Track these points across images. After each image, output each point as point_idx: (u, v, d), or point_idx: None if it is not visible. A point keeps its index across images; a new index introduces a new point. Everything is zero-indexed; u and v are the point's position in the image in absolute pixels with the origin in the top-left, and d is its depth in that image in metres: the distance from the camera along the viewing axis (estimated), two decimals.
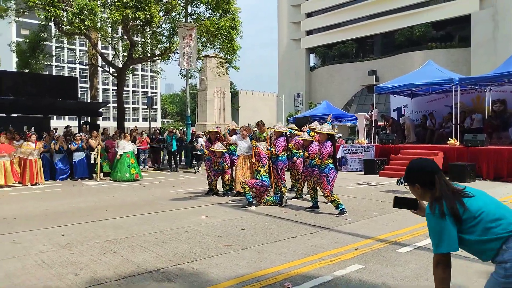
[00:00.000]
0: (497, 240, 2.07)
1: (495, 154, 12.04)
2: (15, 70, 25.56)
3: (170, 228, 6.37)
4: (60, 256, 4.91)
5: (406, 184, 2.39)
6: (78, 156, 13.46)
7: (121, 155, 13.08)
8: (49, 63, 27.65)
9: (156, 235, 5.90)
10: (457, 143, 13.13)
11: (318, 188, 7.81)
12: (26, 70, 20.81)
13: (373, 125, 16.45)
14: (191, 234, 5.96)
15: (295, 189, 9.41)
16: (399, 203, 2.52)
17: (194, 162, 16.69)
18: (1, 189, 11.37)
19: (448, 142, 13.31)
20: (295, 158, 9.35)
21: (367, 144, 15.55)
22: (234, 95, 72.21)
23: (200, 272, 4.34)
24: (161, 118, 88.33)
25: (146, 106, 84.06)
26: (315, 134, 8.18)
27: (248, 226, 6.48)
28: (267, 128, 9.86)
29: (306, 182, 8.50)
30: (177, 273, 4.31)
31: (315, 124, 7.99)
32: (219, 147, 9.45)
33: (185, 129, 19.70)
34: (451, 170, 11.90)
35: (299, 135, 9.66)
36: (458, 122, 14.03)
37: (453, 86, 13.87)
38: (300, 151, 8.93)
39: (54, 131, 16.40)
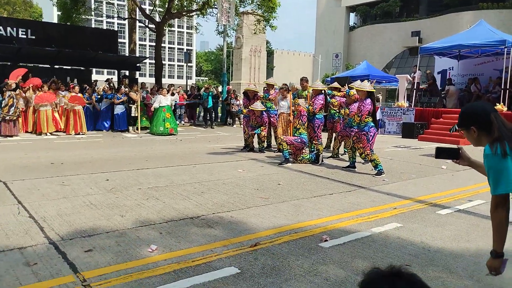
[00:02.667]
0: None
1: None
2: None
3: (209, 179, 6.52)
4: (106, 199, 5.17)
5: (460, 129, 2.27)
6: (119, 109, 13.82)
7: (156, 109, 13.32)
8: (89, 16, 27.93)
9: (195, 185, 6.07)
10: (505, 108, 12.50)
11: (356, 147, 7.72)
12: (68, 24, 21.16)
13: (415, 87, 15.85)
14: (229, 186, 6.09)
15: (332, 149, 9.35)
16: (441, 152, 2.47)
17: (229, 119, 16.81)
18: (46, 137, 11.93)
19: (495, 107, 12.68)
20: (337, 118, 9.28)
21: (407, 107, 15.07)
22: (270, 54, 71.01)
23: (238, 221, 4.46)
24: (196, 75, 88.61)
25: (181, 63, 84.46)
26: (354, 93, 7.99)
27: (284, 182, 6.54)
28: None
29: (343, 142, 8.42)
30: (216, 220, 4.45)
31: (356, 83, 7.77)
32: (258, 106, 9.42)
33: (220, 86, 19.72)
34: None
35: (339, 95, 9.49)
36: (508, 87, 13.27)
37: (505, 49, 13.02)
38: (341, 111, 8.78)
39: (95, 83, 16.81)
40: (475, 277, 3.21)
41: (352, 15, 68.09)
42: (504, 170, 2.04)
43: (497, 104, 12.81)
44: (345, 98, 8.25)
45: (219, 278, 3.06)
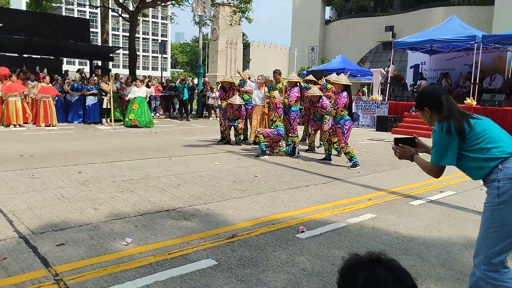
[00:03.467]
0: (494, 160, 2.20)
1: None
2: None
3: (185, 172, 6.46)
4: (79, 192, 5.03)
5: (416, 110, 2.51)
6: (91, 100, 13.47)
7: (128, 100, 13.05)
8: (58, 4, 27.03)
9: (171, 178, 5.99)
10: (474, 102, 12.88)
11: (332, 140, 7.80)
12: (37, 11, 20.42)
13: (388, 81, 16.12)
14: (205, 179, 6.04)
15: (308, 143, 9.42)
16: (399, 142, 2.66)
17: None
18: (15, 129, 11.53)
19: (465, 101, 13.06)
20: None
21: (381, 101, 15.32)
22: (246, 46, 70.80)
23: (215, 213, 4.43)
24: (171, 67, 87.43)
25: (156, 54, 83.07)
26: (332, 86, 8.06)
27: (261, 174, 6.54)
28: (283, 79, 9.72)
29: (318, 134, 8.52)
30: (193, 213, 4.40)
31: (332, 76, 7.83)
32: (236, 100, 9.33)
33: (196, 78, 19.52)
34: None
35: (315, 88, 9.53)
36: (477, 82, 13.68)
37: (476, 44, 13.40)
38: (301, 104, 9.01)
39: (66, 73, 16.31)
40: (447, 265, 3.30)
41: (328, 8, 68.53)
42: (450, 146, 2.29)
43: (467, 98, 13.21)
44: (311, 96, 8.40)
45: (196, 270, 3.04)
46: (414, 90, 16.13)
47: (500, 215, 2.15)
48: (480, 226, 2.28)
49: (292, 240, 3.74)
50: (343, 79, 7.44)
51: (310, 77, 10.27)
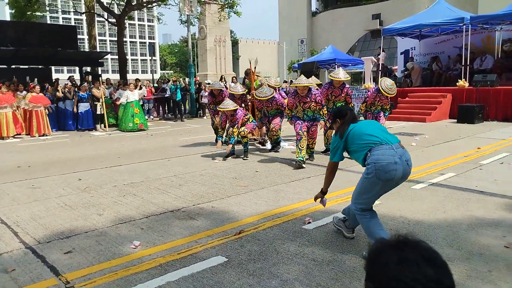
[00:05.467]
0: (364, 149, 3.07)
1: (505, 94, 11.91)
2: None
3: (185, 172, 6.44)
4: (81, 199, 5.00)
5: (332, 123, 3.60)
6: (83, 107, 13.37)
7: (123, 104, 12.97)
8: (44, 14, 26.77)
9: (172, 179, 5.97)
10: (466, 84, 12.94)
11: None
12: (24, 21, 20.19)
13: (380, 69, 16.14)
14: (206, 177, 6.03)
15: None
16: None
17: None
18: (9, 141, 11.42)
19: (457, 83, 13.12)
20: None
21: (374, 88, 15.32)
22: (234, 44, 70.62)
23: (220, 210, 4.43)
24: (161, 69, 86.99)
25: (145, 57, 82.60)
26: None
27: (261, 169, 6.54)
28: (258, 76, 9.69)
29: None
30: (198, 211, 4.40)
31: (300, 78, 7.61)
32: (230, 106, 8.07)
33: (187, 78, 19.43)
34: (460, 111, 11.84)
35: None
36: (468, 63, 13.73)
37: (464, 26, 13.44)
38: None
39: (56, 82, 16.17)
40: (455, 246, 3.32)
41: (313, 0, 68.39)
42: (338, 147, 3.23)
43: (459, 80, 13.26)
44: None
45: (207, 268, 3.03)
46: (406, 73, 16.17)
47: (366, 183, 3.11)
48: (356, 186, 3.24)
49: (299, 231, 3.74)
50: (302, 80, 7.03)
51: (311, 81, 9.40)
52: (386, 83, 7.16)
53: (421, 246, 0.98)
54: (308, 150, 7.23)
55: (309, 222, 3.94)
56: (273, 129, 8.10)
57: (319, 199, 3.59)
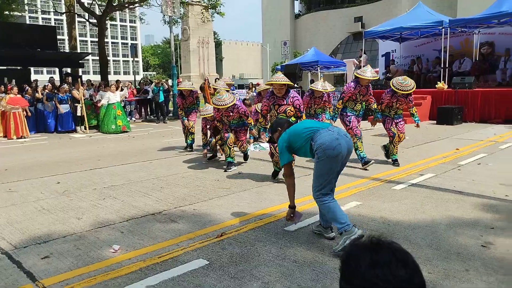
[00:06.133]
0: (307, 141, 3.39)
1: (482, 96, 12.18)
2: None
3: (167, 174, 6.38)
4: (59, 202, 4.91)
5: (274, 133, 3.87)
6: (63, 109, 13.14)
7: (105, 107, 12.79)
8: (22, 13, 26.24)
9: (153, 181, 5.91)
10: (445, 86, 13.19)
11: None
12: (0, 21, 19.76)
13: None
14: (188, 179, 5.99)
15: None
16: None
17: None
18: None
19: (436, 85, 13.36)
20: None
21: None
22: (218, 45, 70.41)
23: (202, 213, 4.40)
24: (143, 70, 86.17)
25: (127, 58, 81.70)
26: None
27: (244, 170, 6.53)
28: (215, 89, 8.63)
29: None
30: (179, 214, 4.36)
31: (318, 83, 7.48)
32: (209, 110, 7.62)
33: (170, 80, 19.29)
34: (440, 113, 12.05)
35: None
36: (447, 66, 14.01)
37: (443, 29, 13.71)
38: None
39: (35, 83, 15.85)
40: (434, 246, 3.37)
41: (296, 2, 68.82)
42: (283, 149, 3.51)
43: (438, 82, 13.52)
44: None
45: (188, 271, 3.01)
46: (387, 76, 16.39)
47: (320, 165, 3.35)
48: (312, 175, 3.44)
49: (281, 233, 3.75)
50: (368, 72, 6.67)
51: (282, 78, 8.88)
52: (397, 79, 6.51)
53: (393, 247, 0.99)
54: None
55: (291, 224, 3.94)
56: (242, 147, 6.97)
57: (291, 217, 3.62)
